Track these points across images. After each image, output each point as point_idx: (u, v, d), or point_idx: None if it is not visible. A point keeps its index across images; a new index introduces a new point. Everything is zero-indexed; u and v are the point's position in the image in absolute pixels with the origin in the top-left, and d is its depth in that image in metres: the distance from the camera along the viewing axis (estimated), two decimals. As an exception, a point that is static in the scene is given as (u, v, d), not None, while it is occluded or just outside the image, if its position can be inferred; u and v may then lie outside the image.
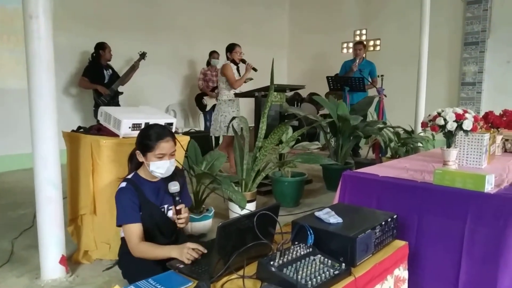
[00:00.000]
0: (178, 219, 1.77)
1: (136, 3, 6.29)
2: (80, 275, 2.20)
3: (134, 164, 1.90)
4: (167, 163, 1.78)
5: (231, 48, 4.69)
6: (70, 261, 2.30)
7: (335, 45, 8.16)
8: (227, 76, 4.53)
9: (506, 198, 1.69)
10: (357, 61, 5.70)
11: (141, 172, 1.86)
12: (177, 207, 1.76)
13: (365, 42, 7.71)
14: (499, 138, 2.90)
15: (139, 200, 1.77)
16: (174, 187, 1.77)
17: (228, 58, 4.68)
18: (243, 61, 4.59)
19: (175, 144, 1.84)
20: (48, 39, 1.99)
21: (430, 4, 5.03)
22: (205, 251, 1.50)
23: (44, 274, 2.11)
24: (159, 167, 1.77)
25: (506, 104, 3.30)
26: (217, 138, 6.30)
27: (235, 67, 4.66)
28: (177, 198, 1.77)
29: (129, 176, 1.85)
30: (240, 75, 4.65)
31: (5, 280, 2.14)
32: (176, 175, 1.87)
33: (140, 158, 1.81)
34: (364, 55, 6.03)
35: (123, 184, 1.79)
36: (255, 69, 4.53)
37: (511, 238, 1.65)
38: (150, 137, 1.77)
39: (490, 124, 2.87)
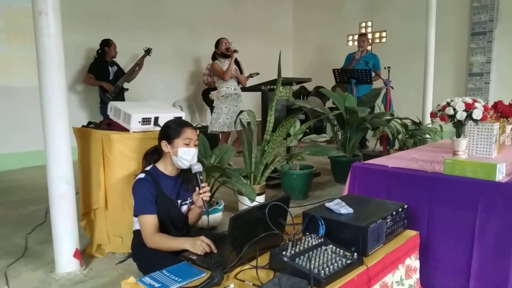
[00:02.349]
0: (203, 192, 1.78)
1: (140, 0, 6.30)
2: (94, 268, 2.23)
3: (148, 161, 1.93)
4: (193, 150, 1.83)
5: (217, 44, 4.83)
6: (84, 255, 2.33)
7: (341, 38, 8.11)
8: (215, 73, 4.68)
9: (518, 187, 1.68)
10: (359, 51, 5.73)
11: (159, 166, 1.89)
12: (202, 184, 1.79)
13: (369, 35, 7.67)
14: (508, 128, 2.88)
15: (156, 192, 1.80)
16: (196, 166, 1.82)
17: (217, 54, 4.77)
18: (228, 49, 4.65)
19: (197, 134, 1.90)
20: (58, 35, 2.01)
21: (437, -6, 4.98)
22: (215, 251, 1.52)
23: (58, 268, 2.15)
24: (186, 153, 1.80)
25: (515, 94, 3.27)
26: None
27: (225, 60, 4.71)
28: (200, 177, 1.81)
29: (148, 168, 1.88)
30: (236, 67, 4.74)
31: (20, 274, 2.18)
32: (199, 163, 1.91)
33: (166, 148, 1.84)
34: (369, 48, 6.00)
35: (142, 175, 1.82)
36: (236, 51, 4.61)
37: (523, 226, 1.64)
38: (177, 123, 1.88)
39: (499, 114, 2.84)
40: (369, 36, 7.70)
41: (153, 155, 1.93)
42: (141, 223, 1.77)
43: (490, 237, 1.72)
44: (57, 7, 1.98)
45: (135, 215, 1.79)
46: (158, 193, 1.80)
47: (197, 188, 1.81)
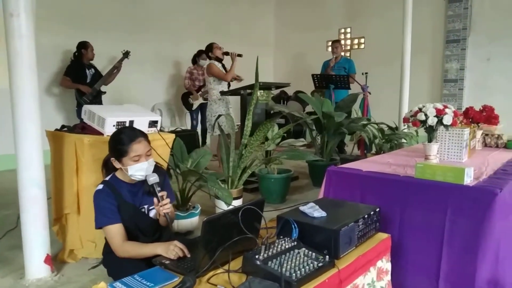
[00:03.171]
0: (163, 205, 1.69)
1: (119, 2, 6.23)
2: (66, 274, 2.18)
3: (109, 169, 1.84)
4: (145, 164, 1.72)
5: (210, 47, 4.76)
6: (56, 261, 2.29)
7: (320, 44, 8.22)
8: (215, 74, 4.57)
9: (484, 190, 1.74)
10: (333, 58, 5.87)
11: (119, 174, 1.80)
12: (159, 194, 1.70)
13: (348, 41, 7.83)
14: (479, 133, 2.97)
15: (117, 201, 1.73)
16: (152, 177, 1.71)
17: (210, 58, 4.70)
18: (227, 53, 4.63)
19: (149, 143, 1.78)
20: (30, 37, 1.97)
21: (413, 2, 5.12)
22: (189, 256, 1.49)
23: (28, 274, 2.09)
24: (138, 169, 1.71)
25: (487, 100, 3.38)
26: (203, 137, 6.31)
27: (219, 64, 4.66)
28: (158, 188, 1.71)
29: (107, 178, 1.80)
30: (226, 71, 4.67)
31: (-12, 281, 2.11)
32: (156, 173, 1.79)
33: (117, 164, 1.74)
34: (343, 53, 6.15)
35: (100, 187, 1.75)
36: (240, 55, 4.58)
37: (489, 228, 1.70)
38: (121, 141, 1.71)
39: (470, 120, 2.93)
40: (348, 42, 7.85)
41: (112, 163, 1.82)
42: (107, 235, 1.71)
43: (458, 239, 1.77)
44: (29, 8, 1.95)
45: (97, 228, 1.72)
46: (120, 202, 1.74)
47: (155, 200, 1.71)
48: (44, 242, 2.10)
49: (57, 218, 2.43)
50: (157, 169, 1.85)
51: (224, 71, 4.68)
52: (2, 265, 2.28)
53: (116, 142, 1.74)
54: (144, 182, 1.78)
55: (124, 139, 1.71)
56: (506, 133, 3.14)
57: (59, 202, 2.40)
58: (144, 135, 1.77)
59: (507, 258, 1.76)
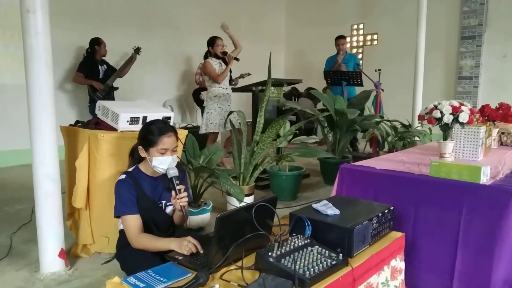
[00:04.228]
0: (180, 198, 1.74)
1: (131, -1, 6.27)
2: (79, 268, 2.21)
3: (135, 159, 1.90)
4: (169, 158, 1.77)
5: (212, 41, 4.67)
6: (69, 255, 2.32)
7: (332, 40, 8.14)
8: (208, 73, 4.53)
9: (501, 189, 1.71)
10: (341, 54, 5.79)
11: (142, 167, 1.86)
12: (178, 188, 1.75)
13: (359, 37, 7.75)
14: (495, 131, 2.91)
15: (137, 193, 1.77)
16: (172, 170, 1.76)
17: (210, 53, 4.66)
18: (224, 53, 4.57)
19: (177, 140, 1.84)
20: (46, 34, 1.99)
21: (427, -2, 5.04)
22: (202, 252, 1.50)
23: (43, 268, 2.13)
24: (161, 162, 1.76)
25: (502, 98, 3.32)
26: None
27: (218, 61, 4.63)
28: (176, 182, 1.76)
29: (130, 169, 1.85)
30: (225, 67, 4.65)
31: (4, 273, 2.15)
32: (178, 169, 1.85)
33: (143, 153, 1.80)
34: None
35: (122, 177, 1.80)
36: (237, 59, 4.51)
37: (505, 228, 1.66)
38: (152, 132, 1.77)
39: (486, 117, 2.88)
40: (361, 38, 7.77)
41: (138, 153, 1.88)
42: (125, 224, 1.75)
43: (473, 239, 1.74)
44: (46, 5, 1.97)
45: (116, 216, 1.77)
46: (139, 194, 1.78)
47: (173, 193, 1.76)
48: (58, 236, 2.13)
49: (71, 213, 2.46)
50: (179, 166, 1.89)
51: (220, 69, 4.62)
52: (17, 258, 2.32)
53: (147, 131, 1.79)
54: (164, 177, 1.83)
55: (155, 130, 1.77)
56: (521, 131, 3.07)
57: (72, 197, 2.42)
58: (174, 131, 1.83)
59: (524, 259, 1.73)
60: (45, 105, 2.02)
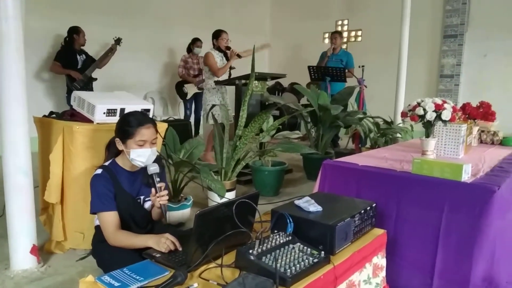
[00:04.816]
0: (160, 196, 1.70)
1: (113, -14, 6.09)
2: (53, 265, 2.13)
3: (111, 153, 1.83)
4: (148, 151, 1.71)
5: (217, 34, 4.59)
6: (42, 251, 2.23)
7: (317, 35, 8.16)
8: (209, 65, 4.45)
9: (482, 187, 1.72)
10: (331, 48, 5.76)
11: (119, 161, 1.79)
12: (158, 185, 1.71)
13: (345, 33, 7.75)
14: (475, 129, 2.95)
15: (114, 188, 1.71)
16: (152, 167, 1.71)
17: (214, 45, 4.58)
18: (228, 48, 4.50)
19: (156, 132, 1.78)
20: (17, 18, 1.88)
21: (411, -4, 5.06)
22: (180, 249, 1.46)
23: (14, 265, 2.04)
24: (140, 155, 1.70)
25: (482, 97, 3.37)
26: (197, 127, 6.24)
27: (220, 54, 4.56)
28: (157, 179, 1.71)
29: (106, 163, 1.78)
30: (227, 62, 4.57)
31: (-28, 271, 2.05)
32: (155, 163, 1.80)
33: (120, 146, 1.74)
34: (344, 46, 6.07)
35: (99, 171, 1.73)
36: (239, 56, 4.44)
37: (485, 226, 1.68)
38: (130, 123, 1.71)
39: (467, 116, 2.91)
40: (345, 34, 7.78)
41: (115, 145, 1.81)
42: (101, 221, 1.69)
43: (454, 236, 1.75)
44: (16, -12, 1.86)
45: (92, 213, 1.71)
46: (117, 189, 1.72)
47: (153, 190, 1.72)
48: (30, 232, 2.04)
49: (44, 208, 2.37)
50: (158, 160, 1.84)
51: (222, 62, 4.56)
52: (-14, 255, 2.22)
53: (124, 123, 1.73)
54: (143, 171, 1.78)
55: (133, 121, 1.72)
56: (501, 129, 3.13)
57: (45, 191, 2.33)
58: (153, 122, 1.77)
59: (502, 257, 1.75)
60: (16, 94, 1.91)
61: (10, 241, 2.03)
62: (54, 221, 2.23)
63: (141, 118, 1.74)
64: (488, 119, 2.99)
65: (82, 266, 2.09)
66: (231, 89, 4.58)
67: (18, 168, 1.98)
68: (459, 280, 1.72)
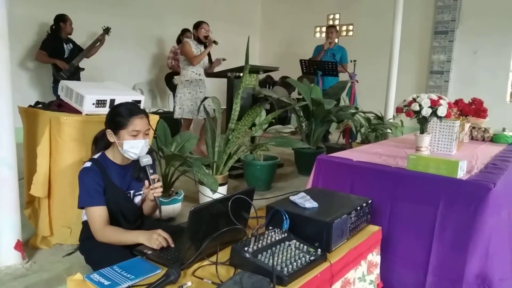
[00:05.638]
0: (154, 188, 1.65)
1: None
2: (38, 261, 2.06)
3: (99, 147, 1.77)
4: (142, 142, 1.67)
5: (197, 25, 4.49)
6: (27, 246, 2.16)
7: (308, 29, 8.12)
8: (185, 53, 4.32)
9: (478, 185, 1.71)
10: (328, 42, 5.72)
11: (109, 154, 1.73)
12: (151, 177, 1.66)
13: (338, 27, 7.70)
14: (467, 126, 2.96)
15: (104, 182, 1.66)
16: (145, 159, 1.67)
17: (194, 36, 4.49)
18: (206, 37, 4.40)
19: (148, 122, 1.73)
20: (0, 3, 1.79)
21: (403, -9, 5.05)
22: (173, 246, 1.43)
23: (-3, 261, 1.96)
24: (133, 146, 1.65)
25: (472, 94, 3.38)
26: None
27: (198, 45, 4.44)
28: (150, 171, 1.66)
29: (96, 156, 1.72)
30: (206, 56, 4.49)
31: (-48, 267, 1.97)
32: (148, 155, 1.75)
33: (112, 138, 1.67)
34: (336, 40, 6.03)
35: (88, 164, 1.67)
36: (215, 42, 4.35)
37: (480, 223, 1.67)
38: (122, 113, 1.66)
39: (459, 112, 2.92)
40: (337, 28, 7.73)
41: (103, 140, 1.76)
42: (89, 216, 1.63)
43: (449, 233, 1.74)
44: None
45: (80, 207, 1.65)
46: (107, 183, 1.66)
47: (146, 182, 1.67)
48: (14, 226, 1.97)
49: (30, 201, 2.29)
50: (150, 153, 1.78)
51: (209, 58, 4.46)
52: (-32, 250, 2.13)
53: (116, 113, 1.68)
54: (134, 165, 1.73)
55: (125, 111, 1.67)
56: (490, 126, 3.15)
57: (31, 185, 2.25)
58: (145, 113, 1.73)
59: (496, 254, 1.75)
60: (0, 83, 1.83)
61: (-7, 236, 1.96)
62: (40, 216, 2.16)
63: (134, 108, 1.70)
64: (480, 115, 3.00)
65: (69, 262, 2.03)
66: (219, 82, 4.47)
67: (2, 160, 1.91)
68: (453, 277, 1.72)
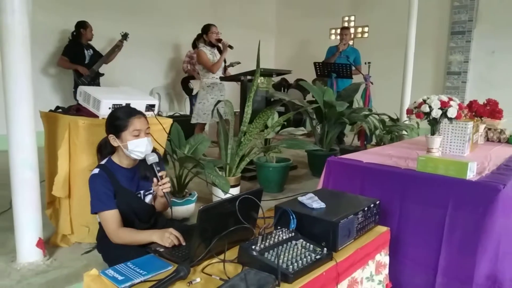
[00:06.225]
0: (162, 184, 1.70)
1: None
2: (58, 258, 2.15)
3: (104, 155, 1.82)
4: (145, 140, 1.71)
5: (206, 29, 4.52)
6: (48, 244, 2.25)
7: (323, 31, 8.10)
8: (203, 64, 4.39)
9: (487, 186, 1.71)
10: (342, 43, 5.68)
11: (115, 159, 1.78)
12: (159, 174, 1.70)
13: (352, 29, 7.68)
14: (482, 127, 2.93)
15: (113, 186, 1.71)
16: (151, 157, 1.71)
17: (204, 41, 4.54)
18: (219, 40, 4.45)
19: (147, 122, 1.77)
20: (22, 12, 1.88)
21: (419, -8, 5.02)
22: (184, 244, 1.48)
23: (20, 257, 2.06)
24: (137, 145, 1.69)
25: (490, 94, 3.33)
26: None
27: (212, 49, 4.49)
28: (157, 168, 1.71)
29: (103, 162, 1.77)
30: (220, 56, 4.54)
31: (-21, 263, 2.08)
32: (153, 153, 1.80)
33: (115, 142, 1.72)
34: (351, 42, 6.01)
35: (96, 171, 1.72)
36: (231, 47, 4.40)
37: (489, 224, 1.67)
38: (120, 116, 1.71)
39: (474, 113, 2.89)
40: (352, 30, 7.71)
41: (106, 147, 1.81)
42: (102, 220, 1.69)
43: (458, 234, 1.74)
44: (22, -17, 1.87)
45: (93, 212, 1.70)
46: (116, 187, 1.71)
47: (155, 179, 1.71)
48: (36, 225, 2.06)
49: (51, 202, 2.39)
50: (154, 152, 1.83)
51: (213, 57, 4.52)
52: (-6, 247, 2.25)
53: (114, 118, 1.73)
54: (140, 166, 1.77)
55: (122, 114, 1.72)
56: (508, 127, 3.10)
57: (52, 186, 2.35)
58: (142, 113, 1.78)
59: (507, 255, 1.74)
60: (22, 88, 1.92)
61: (16, 234, 2.06)
62: (61, 215, 2.25)
63: (131, 110, 1.76)
64: (495, 116, 2.96)
65: (87, 260, 2.11)
66: (233, 85, 4.54)
67: (24, 163, 1.99)
68: (462, 278, 1.72)
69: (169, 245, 1.47)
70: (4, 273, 1.98)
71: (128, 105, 2.20)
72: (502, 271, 1.70)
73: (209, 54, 4.44)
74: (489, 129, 3.10)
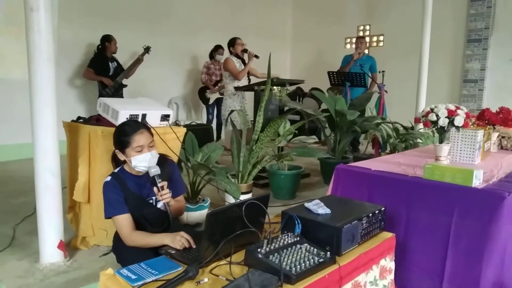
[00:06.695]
0: (162, 195, 1.76)
1: (140, -3, 6.34)
2: (78, 260, 2.27)
3: (118, 163, 1.91)
4: (148, 155, 1.77)
5: (232, 42, 4.77)
6: (69, 247, 2.37)
7: (339, 40, 8.13)
8: (230, 70, 4.60)
9: (492, 193, 1.72)
10: (357, 52, 5.71)
11: (126, 167, 1.86)
12: (159, 185, 1.76)
13: (367, 38, 7.69)
14: (495, 135, 2.91)
15: (123, 192, 1.79)
16: (153, 169, 1.77)
17: (231, 53, 4.73)
18: (245, 51, 4.63)
19: (151, 135, 1.84)
20: (48, 32, 2.04)
21: (434, 0, 5.02)
22: (194, 246, 1.55)
23: (43, 258, 2.19)
24: (141, 161, 1.76)
25: (507, 102, 3.30)
26: (218, 131, 6.37)
27: (238, 60, 4.70)
28: (158, 180, 1.77)
29: (116, 170, 1.87)
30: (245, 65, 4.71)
31: (5, 263, 2.21)
32: (162, 164, 1.87)
33: (121, 156, 1.81)
34: (366, 51, 6.03)
35: (108, 179, 1.81)
36: (257, 56, 4.56)
37: (495, 232, 1.68)
38: (123, 132, 1.78)
39: (486, 121, 2.88)
40: (367, 39, 7.72)
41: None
42: (116, 224, 1.77)
43: (464, 241, 1.75)
44: (48, 4, 2.03)
45: (106, 217, 1.79)
46: (126, 193, 1.79)
47: (155, 189, 1.78)
48: (57, 228, 2.18)
49: (71, 206, 2.51)
50: (165, 160, 1.92)
51: (240, 67, 4.69)
52: (19, 249, 2.39)
53: (119, 134, 1.81)
54: (148, 175, 1.83)
55: (126, 130, 1.79)
56: (521, 136, 3.07)
57: (73, 191, 2.48)
58: (146, 128, 1.84)
59: (513, 262, 1.74)
60: (46, 100, 2.07)
61: (39, 236, 2.19)
62: (82, 218, 2.38)
63: (133, 125, 1.81)
64: (508, 125, 2.93)
65: (104, 262, 2.22)
66: (249, 95, 4.66)
67: (47, 169, 2.13)
68: (468, 285, 1.73)
69: (180, 248, 1.53)
70: (29, 273, 2.10)
71: (143, 118, 2.30)
72: (508, 278, 1.70)
73: (236, 62, 4.65)
74: (503, 137, 3.08)
